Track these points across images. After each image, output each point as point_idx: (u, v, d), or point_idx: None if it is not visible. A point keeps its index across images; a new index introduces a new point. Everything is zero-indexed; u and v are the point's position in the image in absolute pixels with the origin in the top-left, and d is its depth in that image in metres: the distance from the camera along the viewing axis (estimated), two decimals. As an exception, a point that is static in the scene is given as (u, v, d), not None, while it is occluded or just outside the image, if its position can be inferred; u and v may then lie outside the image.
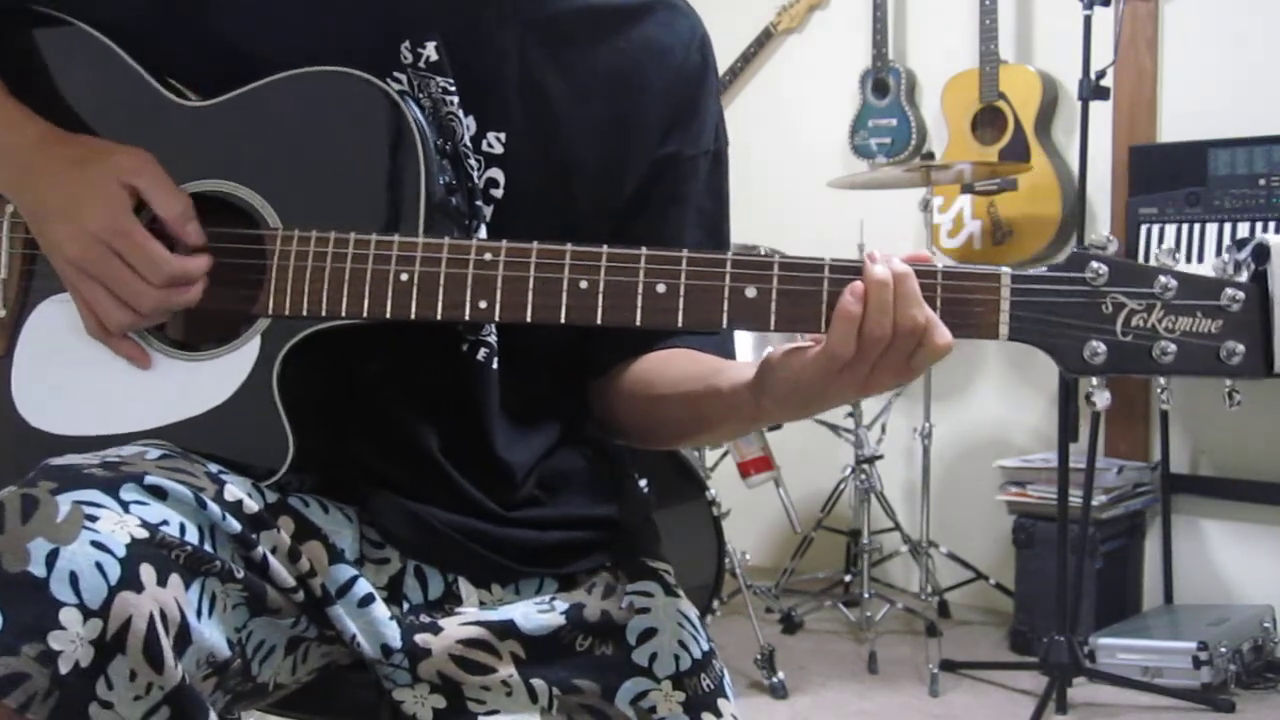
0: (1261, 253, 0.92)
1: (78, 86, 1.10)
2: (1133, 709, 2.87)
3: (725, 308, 0.96)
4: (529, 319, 0.98)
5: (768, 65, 4.30)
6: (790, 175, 4.07)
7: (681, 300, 0.96)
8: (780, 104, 4.23)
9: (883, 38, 3.93)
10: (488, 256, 0.98)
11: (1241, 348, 0.92)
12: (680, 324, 0.96)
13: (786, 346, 0.98)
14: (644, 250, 0.97)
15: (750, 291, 0.95)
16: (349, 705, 1.14)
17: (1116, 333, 0.93)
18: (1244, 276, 0.93)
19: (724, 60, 4.20)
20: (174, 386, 1.04)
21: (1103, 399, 0.95)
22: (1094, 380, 0.95)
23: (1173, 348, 0.92)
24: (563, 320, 0.97)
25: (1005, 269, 0.94)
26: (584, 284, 0.97)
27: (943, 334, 0.93)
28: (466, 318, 0.99)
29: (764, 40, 4.22)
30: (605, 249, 0.97)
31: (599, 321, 0.97)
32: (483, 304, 0.98)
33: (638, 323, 0.96)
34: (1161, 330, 0.92)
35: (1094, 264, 0.93)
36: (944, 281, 0.94)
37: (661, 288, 0.96)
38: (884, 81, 3.95)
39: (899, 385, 0.98)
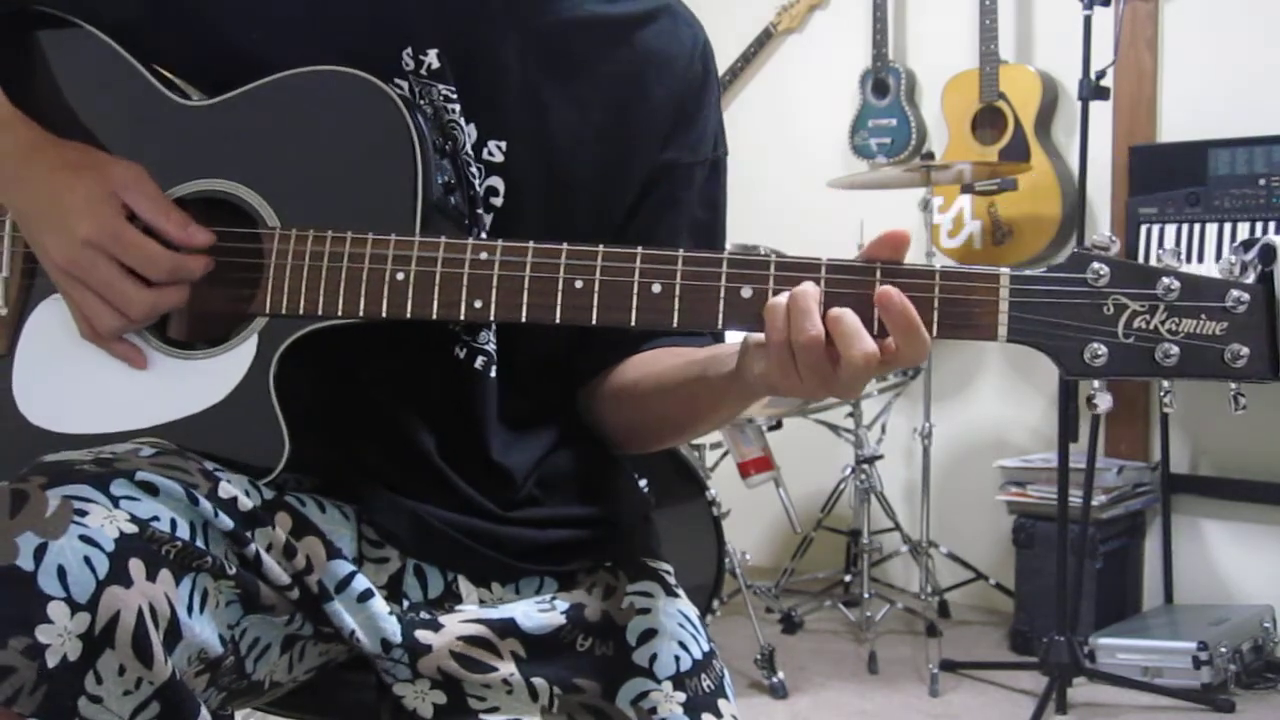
0: (1269, 254, 0.89)
1: (80, 87, 1.10)
2: (1133, 709, 2.87)
3: (720, 308, 0.95)
4: (524, 319, 0.97)
5: (768, 65, 4.30)
6: (790, 175, 4.07)
7: (677, 301, 0.95)
8: (780, 104, 4.24)
9: (883, 38, 3.93)
10: (483, 256, 0.98)
11: (1247, 350, 0.88)
12: (675, 324, 0.95)
13: (757, 339, 0.96)
14: (640, 250, 0.96)
15: (746, 292, 0.94)
16: (348, 706, 1.14)
17: (1118, 334, 0.90)
18: (1250, 278, 0.90)
19: (724, 60, 4.22)
20: (172, 385, 1.04)
21: (1105, 401, 0.93)
22: (1095, 383, 0.93)
23: (1176, 350, 0.89)
24: (558, 320, 0.97)
25: (1004, 269, 0.92)
26: (579, 284, 0.96)
27: (859, 345, 0.89)
28: (462, 317, 0.99)
29: (764, 40, 4.23)
30: (601, 248, 0.96)
31: (594, 322, 0.96)
32: (478, 304, 0.98)
33: (632, 323, 0.96)
34: (1164, 332, 0.90)
35: (1095, 264, 0.91)
36: (942, 282, 0.92)
37: (657, 288, 0.95)
38: (884, 81, 3.95)
39: (846, 397, 0.95)
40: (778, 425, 3.33)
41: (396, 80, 1.07)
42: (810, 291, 0.91)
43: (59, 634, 0.81)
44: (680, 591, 1.18)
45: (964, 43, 3.73)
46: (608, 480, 1.21)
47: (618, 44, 1.14)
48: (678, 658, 1.09)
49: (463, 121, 1.09)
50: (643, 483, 1.30)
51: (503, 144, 1.10)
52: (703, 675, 1.10)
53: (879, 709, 2.94)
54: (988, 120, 3.66)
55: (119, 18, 1.09)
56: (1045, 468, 3.29)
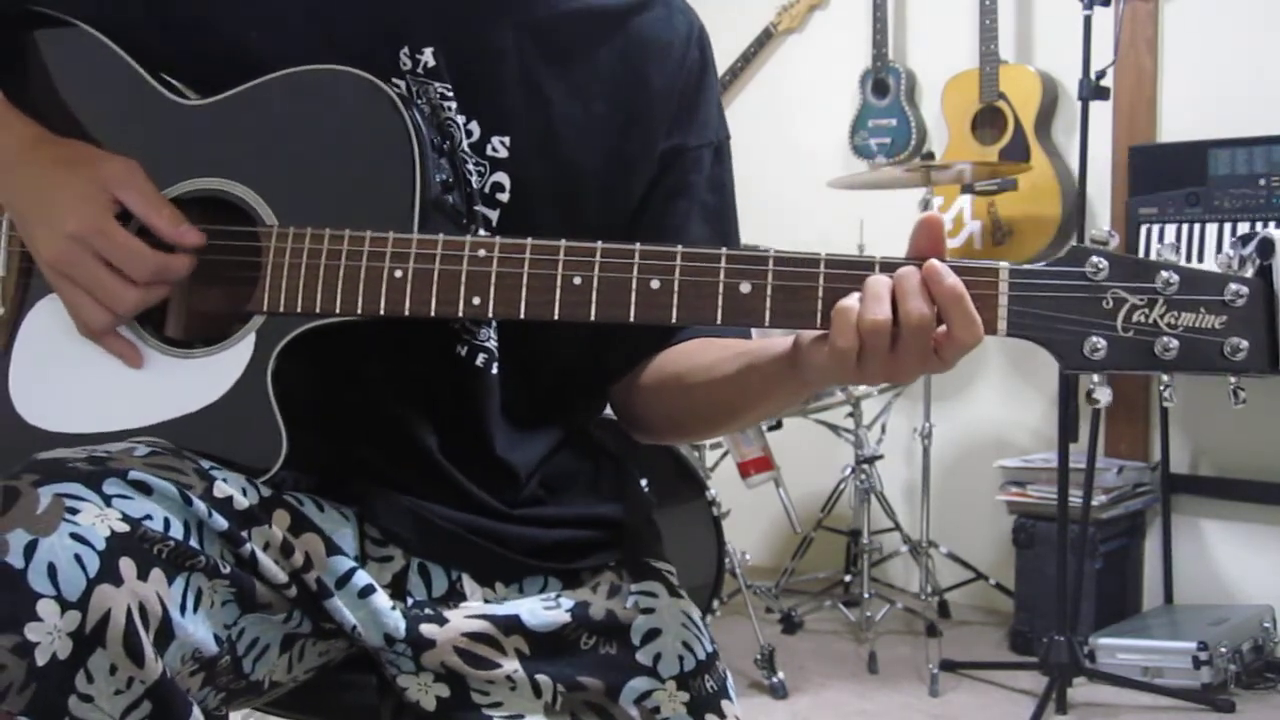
0: (1267, 247, 0.90)
1: (78, 86, 1.10)
2: (1133, 709, 2.87)
3: (719, 304, 0.95)
4: (522, 315, 0.97)
5: (768, 65, 4.30)
6: (790, 175, 4.07)
7: (675, 297, 0.95)
8: (780, 104, 4.24)
9: (883, 38, 3.93)
10: (481, 253, 0.98)
11: (1246, 344, 0.89)
12: (674, 320, 0.96)
13: (813, 334, 0.96)
14: (638, 246, 0.96)
15: (745, 288, 0.94)
16: (348, 706, 1.14)
17: (1117, 328, 0.91)
18: (1249, 272, 0.90)
19: (724, 60, 4.22)
20: (169, 384, 1.04)
21: (1105, 395, 0.93)
22: (1095, 377, 0.93)
23: (1175, 344, 0.90)
24: (556, 316, 0.97)
25: (1004, 264, 0.92)
26: (578, 280, 0.96)
27: (970, 329, 0.91)
28: (460, 314, 0.99)
29: (764, 40, 4.23)
30: (600, 245, 0.97)
31: (593, 318, 0.96)
32: (476, 300, 0.98)
33: (631, 319, 0.96)
34: (1164, 326, 0.90)
35: (1094, 258, 0.91)
36: None
37: (655, 284, 0.95)
38: (884, 81, 3.95)
39: (938, 371, 0.96)
40: (778, 425, 3.33)
41: (394, 80, 1.07)
42: (885, 280, 0.92)
43: (48, 632, 0.81)
44: (683, 592, 1.18)
45: (964, 43, 3.73)
46: (612, 481, 1.21)
47: (614, 33, 1.15)
48: (681, 658, 1.09)
49: (461, 120, 1.09)
50: (643, 483, 1.30)
51: (506, 139, 1.10)
52: (706, 676, 1.10)
53: (879, 709, 2.94)
54: (988, 120, 3.66)
55: (117, 19, 1.09)
56: (1045, 468, 3.29)
